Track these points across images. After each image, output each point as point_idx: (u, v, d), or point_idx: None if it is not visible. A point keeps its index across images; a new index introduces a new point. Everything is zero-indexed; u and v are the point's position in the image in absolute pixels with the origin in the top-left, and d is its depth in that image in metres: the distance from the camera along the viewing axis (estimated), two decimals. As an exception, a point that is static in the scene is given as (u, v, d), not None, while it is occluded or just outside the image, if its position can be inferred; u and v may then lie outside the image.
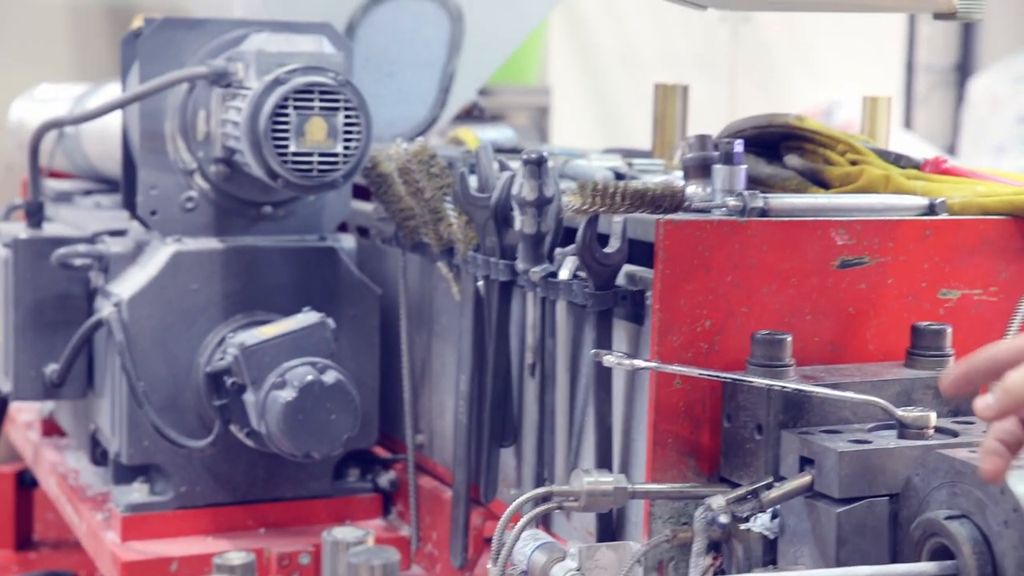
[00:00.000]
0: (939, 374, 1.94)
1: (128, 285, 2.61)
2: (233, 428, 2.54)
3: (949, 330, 1.97)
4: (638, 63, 6.80)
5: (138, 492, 2.63)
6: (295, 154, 2.45)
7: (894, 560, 1.75)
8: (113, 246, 2.70)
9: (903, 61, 7.72)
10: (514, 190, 2.19)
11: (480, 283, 2.35)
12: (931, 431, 1.82)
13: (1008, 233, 2.08)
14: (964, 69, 8.02)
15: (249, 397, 2.47)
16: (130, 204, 2.73)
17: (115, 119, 2.78)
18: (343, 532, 1.36)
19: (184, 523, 2.63)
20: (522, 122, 6.65)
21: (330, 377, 2.44)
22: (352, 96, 2.48)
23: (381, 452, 2.79)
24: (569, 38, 6.89)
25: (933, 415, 1.82)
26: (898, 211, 2.07)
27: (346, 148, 2.48)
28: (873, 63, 7.22)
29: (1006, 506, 1.59)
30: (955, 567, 1.63)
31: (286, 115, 2.44)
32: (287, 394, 2.42)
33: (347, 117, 2.48)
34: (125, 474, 2.66)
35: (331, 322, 2.51)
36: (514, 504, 1.89)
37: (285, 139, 2.44)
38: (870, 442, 1.80)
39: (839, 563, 1.74)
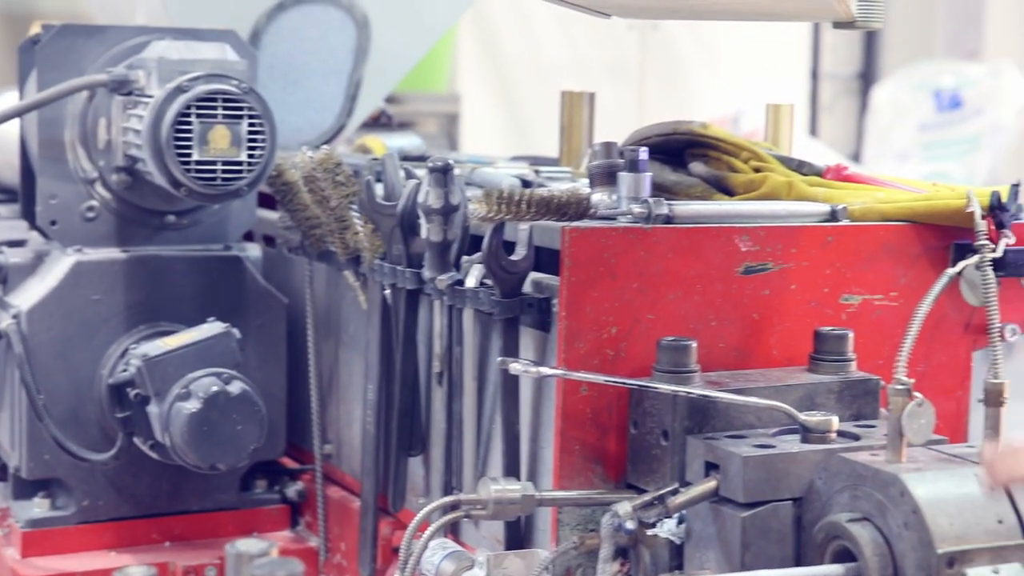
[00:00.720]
0: (842, 378, 1.96)
1: (28, 296, 2.56)
2: (137, 440, 2.50)
3: (851, 335, 1.99)
4: (548, 71, 6.82)
5: (39, 507, 2.59)
6: (198, 163, 2.42)
7: (798, 563, 1.77)
8: (12, 257, 2.65)
9: (808, 69, 7.82)
10: (420, 198, 2.18)
11: (387, 291, 2.34)
12: (834, 435, 1.83)
13: (907, 238, 2.11)
14: (867, 77, 8.15)
15: (153, 409, 2.44)
16: (29, 214, 2.68)
17: (13, 127, 2.73)
18: (247, 544, 1.34)
19: (87, 538, 2.59)
20: (432, 129, 6.65)
21: (235, 388, 2.42)
22: (256, 104, 2.46)
23: (289, 463, 2.77)
24: (479, 45, 6.90)
25: (835, 419, 1.84)
26: (800, 217, 2.09)
27: (250, 156, 2.46)
28: (779, 72, 7.31)
29: (905, 508, 1.61)
30: (857, 569, 1.65)
31: (189, 123, 2.41)
32: (192, 405, 2.39)
33: (251, 125, 2.45)
34: (26, 489, 2.61)
35: (236, 332, 2.49)
36: (421, 513, 1.88)
37: (188, 147, 2.41)
38: (774, 447, 1.81)
39: (744, 567, 1.76)
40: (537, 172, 2.65)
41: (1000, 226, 2.02)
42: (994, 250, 1.75)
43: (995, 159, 6.96)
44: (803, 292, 2.06)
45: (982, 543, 1.59)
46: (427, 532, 1.89)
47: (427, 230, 2.18)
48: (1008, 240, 2.00)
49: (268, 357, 2.66)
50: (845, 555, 1.68)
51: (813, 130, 7.80)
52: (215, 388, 2.40)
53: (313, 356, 2.64)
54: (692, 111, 6.63)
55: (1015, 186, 2.09)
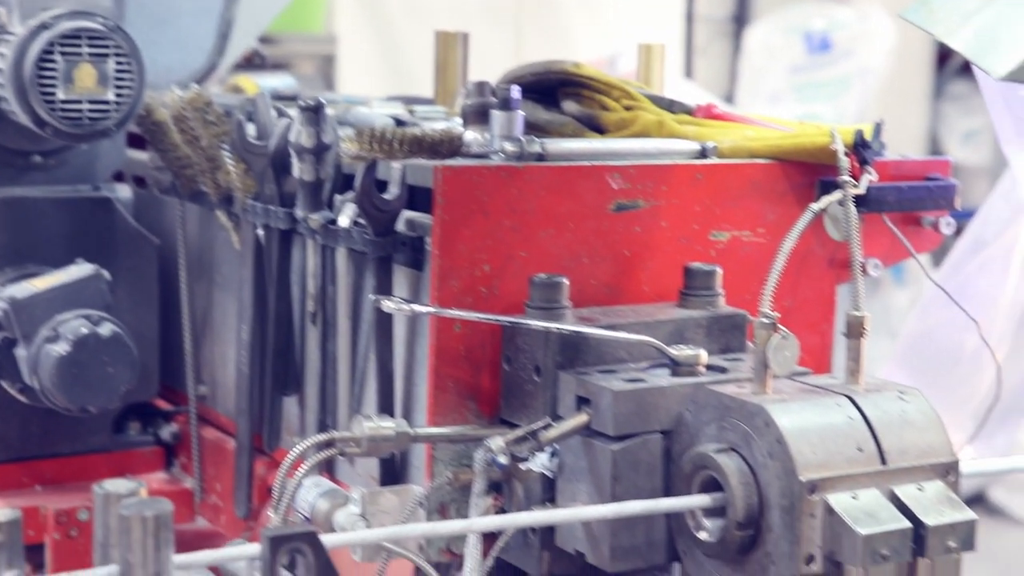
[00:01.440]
0: (711, 313, 2.00)
1: None
2: (4, 384, 2.47)
3: (719, 271, 2.03)
4: (425, 12, 6.78)
5: (-95, 453, 2.54)
6: (64, 101, 2.38)
7: (667, 494, 1.80)
8: None
9: (683, 12, 7.87)
10: (292, 137, 2.17)
11: (260, 231, 2.32)
12: (702, 368, 1.87)
13: (775, 176, 2.15)
14: (740, 20, 8.22)
15: (21, 352, 2.40)
16: None
17: None
18: (114, 484, 1.34)
19: (-45, 483, 2.56)
20: (308, 71, 6.58)
21: (106, 330, 2.39)
22: (123, 42, 2.41)
23: (162, 404, 2.75)
24: (355, -14, 6.83)
25: (704, 353, 1.88)
26: (670, 156, 2.12)
27: (118, 95, 2.42)
28: (655, 14, 7.34)
29: (770, 438, 1.65)
30: (724, 498, 1.69)
31: (53, 61, 2.36)
32: (61, 348, 2.35)
33: (118, 63, 2.41)
34: None
35: (106, 274, 2.46)
36: (295, 451, 1.88)
37: (52, 86, 2.36)
38: (644, 381, 1.84)
39: (615, 499, 1.79)
40: (411, 112, 2.64)
41: (863, 163, 2.06)
42: (856, 186, 1.79)
43: (864, 100, 7.09)
44: (673, 229, 2.09)
45: (843, 471, 1.64)
46: (301, 470, 1.89)
47: (299, 169, 2.17)
48: (870, 177, 2.05)
49: (139, 299, 2.63)
50: (712, 485, 1.71)
51: (688, 72, 7.86)
52: (84, 330, 2.37)
53: (186, 297, 2.62)
54: (569, 53, 6.63)
55: (878, 125, 2.14)
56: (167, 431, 2.70)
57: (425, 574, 1.88)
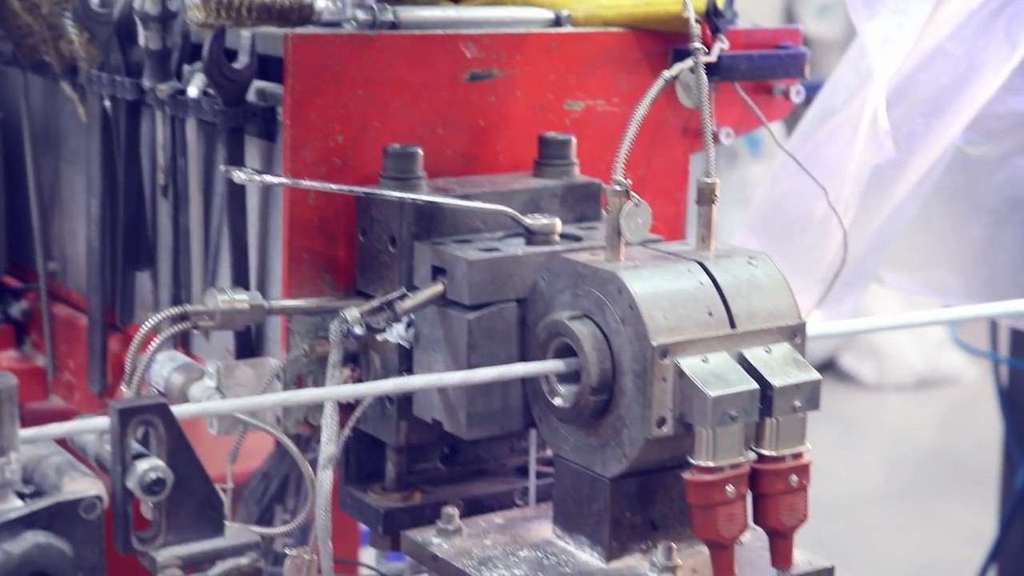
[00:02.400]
0: (565, 182, 2.01)
1: None
2: None
3: (574, 140, 2.03)
4: None
5: None
6: None
7: (523, 361, 1.82)
8: None
9: None
10: (136, 4, 2.10)
11: (107, 103, 2.26)
12: (557, 237, 1.88)
13: (628, 45, 2.15)
14: None
15: None
16: None
17: None
18: (-43, 360, 1.32)
19: None
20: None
21: (-53, 205, 2.32)
22: (-43, -97, 2.31)
23: (11, 282, 2.69)
24: None
25: (558, 222, 1.89)
26: (525, 24, 2.10)
27: (-47, -40, 2.32)
28: None
29: (623, 304, 1.67)
30: (578, 364, 1.71)
31: None
32: (-99, 224, 2.28)
33: (-48, -74, 2.31)
34: None
35: (-54, 147, 2.38)
36: (147, 324, 1.86)
37: None
38: (499, 250, 1.85)
39: (471, 367, 1.80)
40: (262, -21, 2.58)
41: (715, 31, 2.07)
42: (708, 54, 1.80)
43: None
44: (528, 98, 2.09)
45: (693, 335, 1.67)
46: (153, 343, 1.87)
47: (145, 38, 2.11)
48: (722, 45, 2.06)
49: (-17, 174, 2.56)
50: (566, 351, 1.74)
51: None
52: (-75, 205, 2.30)
53: (32, 172, 2.55)
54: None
55: (731, -7, 2.14)
56: (17, 309, 2.64)
57: (284, 447, 1.88)
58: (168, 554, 1.37)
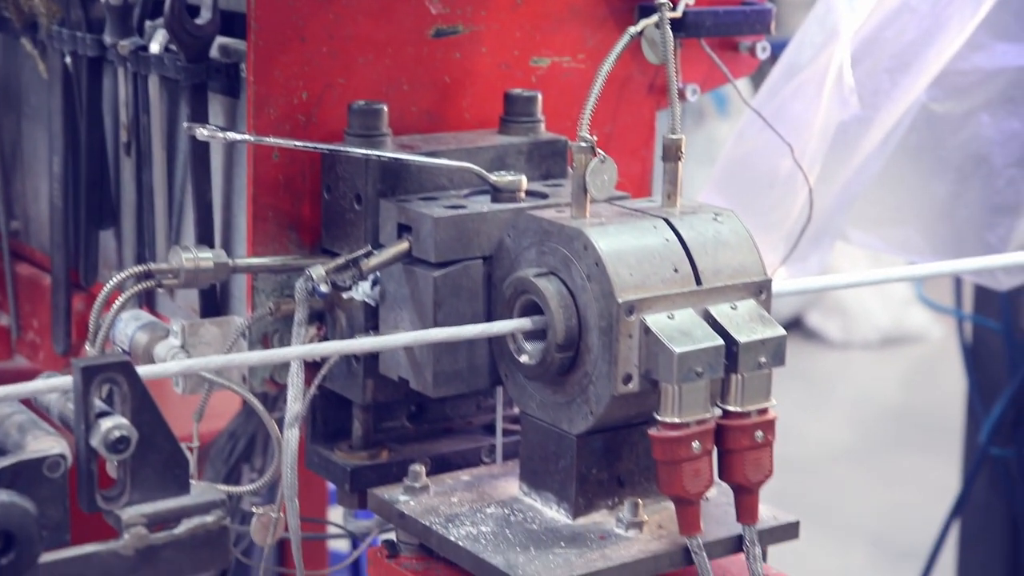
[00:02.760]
0: (531, 139, 2.00)
1: None
2: None
3: (540, 97, 2.03)
4: None
5: None
6: None
7: (489, 319, 1.82)
8: None
9: None
10: (98, -41, 2.08)
11: (68, 59, 2.24)
12: (522, 194, 1.88)
13: (594, 1, 2.14)
14: None
15: None
16: None
17: None
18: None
19: None
20: None
21: (-92, 163, 2.30)
22: None
23: (-27, 241, 2.66)
24: None
25: (524, 179, 1.88)
26: (490, -20, 2.09)
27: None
28: None
29: (589, 261, 1.67)
30: (544, 321, 1.71)
31: None
32: None
33: None
34: None
35: (-94, 104, 2.35)
36: (111, 283, 1.85)
37: None
38: (464, 207, 1.85)
39: (437, 325, 1.80)
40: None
41: (681, -13, 2.06)
42: (673, 9, 1.79)
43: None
44: (493, 55, 2.08)
45: (659, 291, 1.67)
46: (118, 302, 1.86)
47: (107, -7, 2.09)
48: (688, 1, 2.05)
49: (-56, 131, 2.53)
50: (533, 309, 1.74)
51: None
52: None
53: (-7, 129, 2.53)
54: None
55: (697, -51, 2.13)
56: (-21, 268, 2.62)
57: (250, 406, 1.87)
58: (133, 512, 1.37)
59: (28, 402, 1.47)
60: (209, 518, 1.40)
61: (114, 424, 1.34)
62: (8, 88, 2.51)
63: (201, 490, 1.41)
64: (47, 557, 1.32)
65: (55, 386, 1.43)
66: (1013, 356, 3.53)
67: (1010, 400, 3.53)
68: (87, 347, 1.88)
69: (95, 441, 1.33)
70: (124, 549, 1.36)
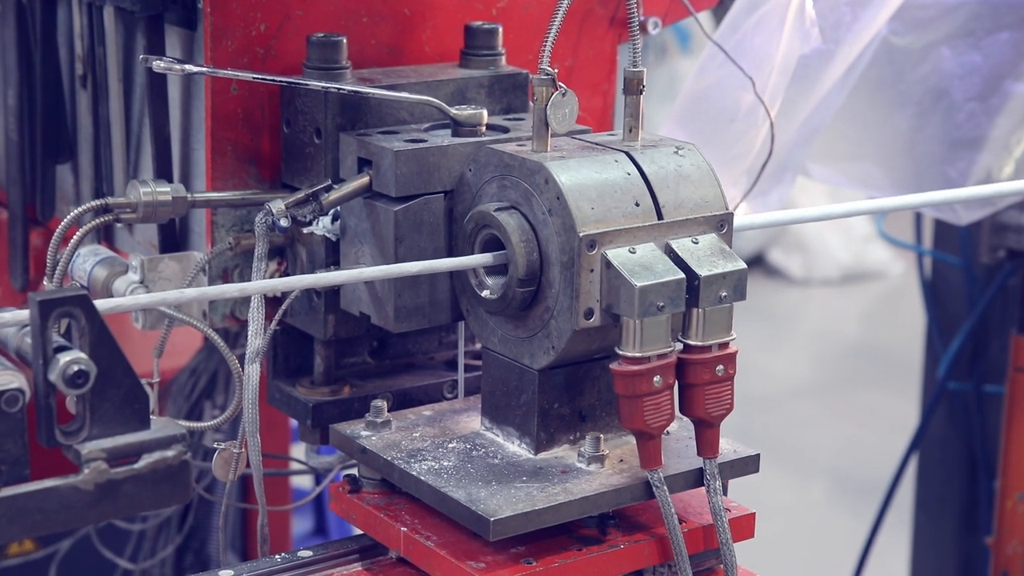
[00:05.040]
0: (492, 73, 1.99)
1: None
2: None
3: (500, 29, 2.01)
4: None
5: None
6: None
7: (450, 254, 1.81)
8: None
9: None
10: None
11: (21, -10, 2.20)
12: (483, 128, 1.87)
13: (556, -67, 2.12)
14: None
15: None
16: None
17: None
18: None
19: None
20: None
21: None
22: None
23: (-72, 176, 2.63)
24: None
25: (484, 113, 1.87)
26: (451, -90, 2.07)
27: None
28: None
29: (550, 195, 1.67)
30: (505, 256, 1.71)
31: None
32: None
33: None
34: None
35: None
36: (68, 218, 1.83)
37: None
38: (425, 141, 1.83)
39: (398, 260, 1.79)
40: None
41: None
42: (635, -59, 1.78)
43: None
44: (454, -13, 2.06)
45: (620, 225, 1.67)
46: (75, 237, 1.84)
47: (60, -77, 2.05)
48: (650, -67, 2.04)
49: None
50: (494, 243, 1.73)
51: None
52: None
53: (-54, 62, 2.48)
54: None
55: None
56: (-66, 203, 2.59)
57: (211, 341, 1.86)
58: (93, 447, 1.36)
59: (-16, 337, 1.46)
60: (170, 453, 1.39)
61: (72, 358, 1.33)
62: (-39, 20, 2.47)
63: (161, 425, 1.40)
64: (6, 492, 1.31)
65: (12, 320, 1.42)
66: (972, 291, 3.56)
67: (968, 335, 3.56)
68: (45, 282, 1.86)
69: (53, 375, 1.32)
70: (84, 484, 1.35)
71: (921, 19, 2.56)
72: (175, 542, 2.78)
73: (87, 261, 1.94)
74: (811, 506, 5.59)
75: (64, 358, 1.33)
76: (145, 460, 1.38)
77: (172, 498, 1.40)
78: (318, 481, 2.79)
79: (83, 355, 1.34)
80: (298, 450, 3.02)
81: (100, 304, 1.37)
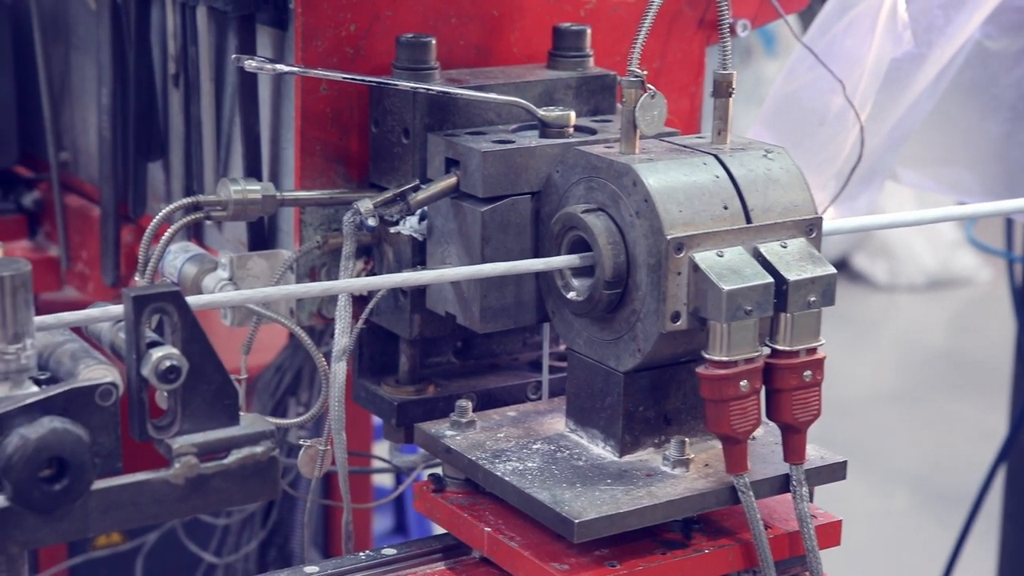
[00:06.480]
0: (580, 74, 1.98)
1: None
2: None
3: (589, 31, 2.01)
4: None
5: None
6: None
7: (536, 255, 1.81)
8: None
9: None
10: None
11: (117, -9, 2.23)
12: (571, 129, 1.87)
13: (646, -66, 2.11)
14: None
15: None
16: None
17: None
18: (-31, 245, 1.31)
19: None
20: None
21: (-42, 93, 2.31)
22: None
23: (23, 172, 2.68)
24: None
25: (572, 114, 1.87)
26: (541, -88, 2.07)
27: None
28: None
29: (638, 197, 1.66)
30: (592, 258, 1.70)
31: None
32: (-88, 113, 2.27)
33: None
34: None
35: (-44, 35, 2.36)
36: (160, 214, 1.85)
37: None
38: (513, 142, 1.83)
39: (484, 260, 1.80)
40: None
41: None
42: (727, -57, 1.77)
43: None
44: (543, -12, 2.06)
45: (708, 228, 1.66)
46: (166, 233, 1.87)
47: (156, -76, 2.08)
48: (741, -66, 2.03)
49: (-7, 62, 2.54)
50: (581, 245, 1.73)
51: None
52: (-64, 94, 2.28)
53: (42, 61, 2.53)
54: None
55: None
56: (29, 199, 2.64)
57: (298, 339, 1.88)
58: (183, 441, 1.37)
59: (79, 331, 1.48)
60: (258, 449, 1.40)
61: (165, 354, 1.34)
62: (57, 19, 2.52)
63: (250, 421, 1.41)
64: (99, 484, 1.33)
65: (107, 315, 1.44)
66: (1063, 299, 3.50)
67: (1059, 344, 3.50)
68: (136, 278, 1.89)
69: (146, 370, 1.34)
70: (175, 478, 1.37)
71: (1016, 22, 2.51)
72: (259, 537, 2.81)
73: (177, 258, 1.97)
74: (895, 514, 5.52)
75: (157, 353, 1.34)
76: (234, 455, 1.40)
77: (260, 494, 1.41)
78: (399, 480, 2.81)
79: (175, 351, 1.35)
80: (379, 448, 3.04)
81: (192, 300, 1.39)
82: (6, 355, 1.32)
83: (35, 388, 1.34)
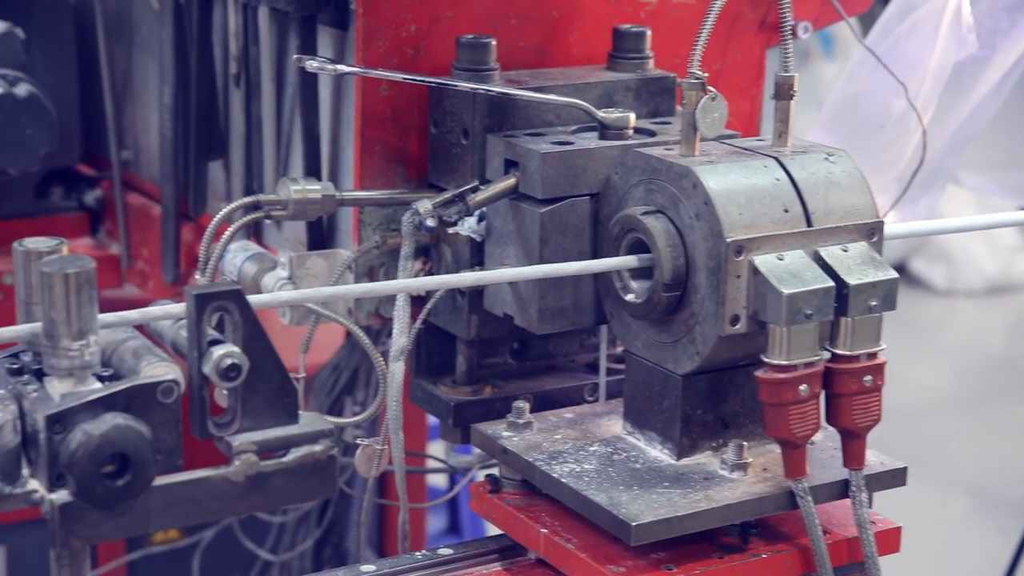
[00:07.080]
0: (640, 76, 1.98)
1: None
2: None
3: (649, 33, 2.00)
4: None
5: None
6: None
7: (595, 256, 1.81)
8: None
9: None
10: None
11: (179, -9, 2.25)
12: (630, 131, 1.86)
13: (707, -64, 2.10)
14: None
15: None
16: None
17: None
18: (34, 242, 1.32)
19: None
20: None
21: (22, 90, 2.33)
22: None
23: (86, 170, 2.71)
24: None
25: (632, 116, 1.86)
26: (601, -85, 2.06)
27: None
28: None
29: (697, 200, 1.65)
30: (651, 260, 1.70)
31: None
32: (-23, 110, 2.30)
33: None
34: None
35: (20, 32, 2.38)
36: (221, 213, 1.86)
37: None
38: (572, 143, 1.83)
39: (543, 261, 1.79)
40: None
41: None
42: (789, -55, 1.75)
43: None
44: (603, -10, 2.05)
45: (768, 231, 1.65)
46: (227, 232, 1.88)
47: (219, -76, 2.09)
48: (804, -64, 2.01)
49: (57, 60, 2.56)
50: (640, 247, 1.72)
51: None
52: (0, 90, 2.31)
53: (105, 59, 2.55)
54: None
55: None
56: (91, 196, 2.66)
57: (355, 338, 1.88)
58: (243, 439, 1.38)
59: (141, 328, 1.49)
60: (317, 447, 1.41)
61: (226, 352, 1.35)
62: (120, 19, 2.54)
63: (310, 420, 1.42)
64: (161, 480, 1.34)
65: (169, 313, 1.45)
66: None
67: (1122, 351, 3.45)
68: (197, 276, 1.90)
69: (207, 368, 1.35)
70: (235, 475, 1.37)
71: (1082, 25, 2.48)
72: (315, 535, 2.82)
73: (237, 256, 1.98)
74: (953, 522, 5.47)
75: (218, 351, 1.35)
76: (294, 454, 1.40)
77: (319, 492, 1.42)
78: (452, 480, 2.81)
79: (236, 349, 1.36)
80: (435, 448, 3.04)
81: (252, 299, 1.40)
82: (70, 351, 1.33)
83: (98, 384, 1.35)
